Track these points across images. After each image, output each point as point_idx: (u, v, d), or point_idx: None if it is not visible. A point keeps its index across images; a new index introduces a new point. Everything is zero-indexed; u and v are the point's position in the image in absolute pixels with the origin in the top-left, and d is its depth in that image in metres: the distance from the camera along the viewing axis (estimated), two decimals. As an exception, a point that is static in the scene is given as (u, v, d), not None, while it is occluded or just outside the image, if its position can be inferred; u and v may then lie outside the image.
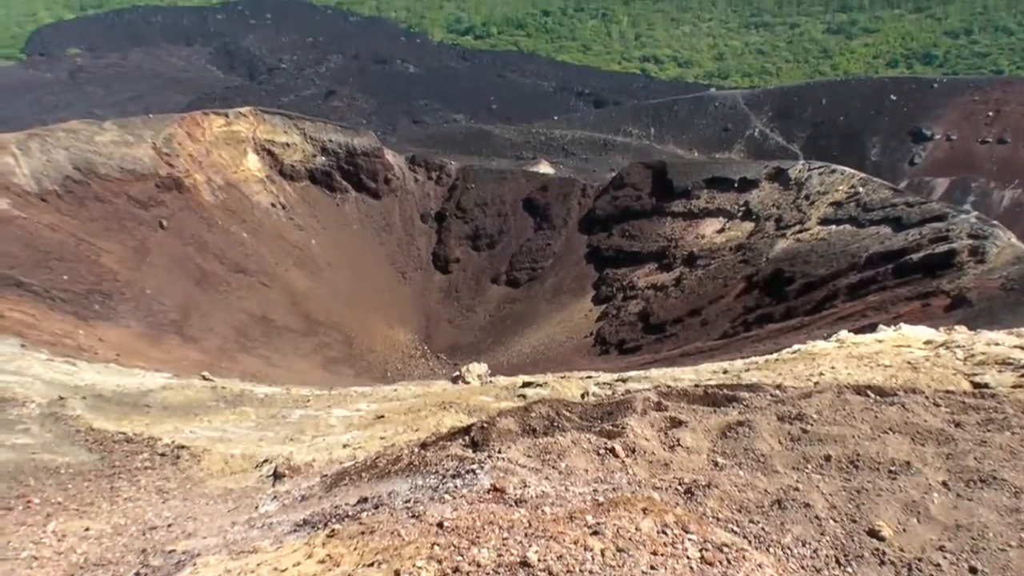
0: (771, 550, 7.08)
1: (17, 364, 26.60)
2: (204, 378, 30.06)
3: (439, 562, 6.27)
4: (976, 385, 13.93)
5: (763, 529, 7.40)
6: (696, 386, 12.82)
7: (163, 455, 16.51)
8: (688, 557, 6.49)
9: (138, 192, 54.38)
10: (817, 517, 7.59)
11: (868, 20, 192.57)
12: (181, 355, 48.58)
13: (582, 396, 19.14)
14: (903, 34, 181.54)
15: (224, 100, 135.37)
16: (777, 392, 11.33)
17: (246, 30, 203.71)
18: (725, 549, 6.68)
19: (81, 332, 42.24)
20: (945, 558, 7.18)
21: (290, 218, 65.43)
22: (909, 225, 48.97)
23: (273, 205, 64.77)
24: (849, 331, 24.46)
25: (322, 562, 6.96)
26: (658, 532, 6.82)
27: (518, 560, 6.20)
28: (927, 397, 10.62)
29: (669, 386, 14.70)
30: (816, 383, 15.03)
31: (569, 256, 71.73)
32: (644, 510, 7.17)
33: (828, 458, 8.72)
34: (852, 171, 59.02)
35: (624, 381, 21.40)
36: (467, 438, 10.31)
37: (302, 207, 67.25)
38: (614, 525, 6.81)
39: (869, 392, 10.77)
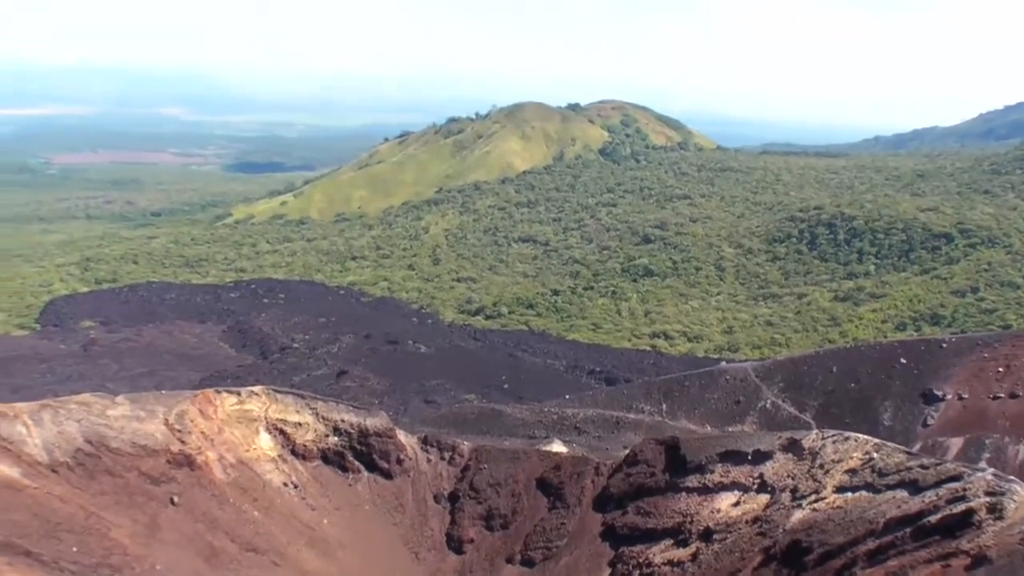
0: None
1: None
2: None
3: None
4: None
5: None
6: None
7: None
8: None
9: (149, 468, 54.17)
10: None
11: (875, 285, 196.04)
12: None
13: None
14: (910, 297, 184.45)
15: (236, 378, 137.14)
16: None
17: (259, 309, 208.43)
18: None
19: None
20: None
21: (302, 497, 64.63)
22: (925, 487, 48.30)
23: (285, 484, 64.20)
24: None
25: None
26: None
27: None
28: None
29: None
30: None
31: (584, 535, 70.47)
32: None
33: None
34: (866, 437, 58.59)
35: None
36: None
37: (314, 487, 66.51)
38: None
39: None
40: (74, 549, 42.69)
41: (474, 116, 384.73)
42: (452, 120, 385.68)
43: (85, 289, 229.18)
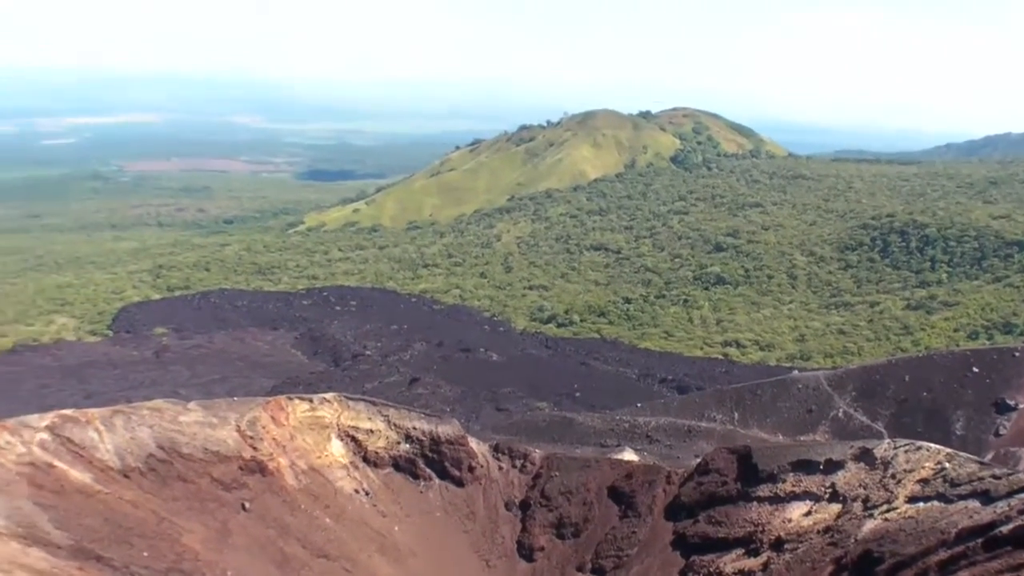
0: None
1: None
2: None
3: None
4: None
5: None
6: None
7: None
8: None
9: (221, 474, 54.59)
10: None
11: (947, 294, 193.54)
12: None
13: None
14: (982, 305, 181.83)
15: (308, 385, 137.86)
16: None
17: (331, 316, 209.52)
18: None
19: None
20: None
21: (373, 504, 64.94)
22: (997, 497, 47.86)
23: (356, 491, 64.51)
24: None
25: None
26: None
27: None
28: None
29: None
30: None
31: (655, 544, 70.32)
32: None
33: None
34: (938, 447, 58.15)
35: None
36: None
37: (385, 493, 66.87)
38: None
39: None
40: (145, 554, 43.11)
41: (546, 124, 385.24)
42: (524, 128, 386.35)
43: (157, 296, 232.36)
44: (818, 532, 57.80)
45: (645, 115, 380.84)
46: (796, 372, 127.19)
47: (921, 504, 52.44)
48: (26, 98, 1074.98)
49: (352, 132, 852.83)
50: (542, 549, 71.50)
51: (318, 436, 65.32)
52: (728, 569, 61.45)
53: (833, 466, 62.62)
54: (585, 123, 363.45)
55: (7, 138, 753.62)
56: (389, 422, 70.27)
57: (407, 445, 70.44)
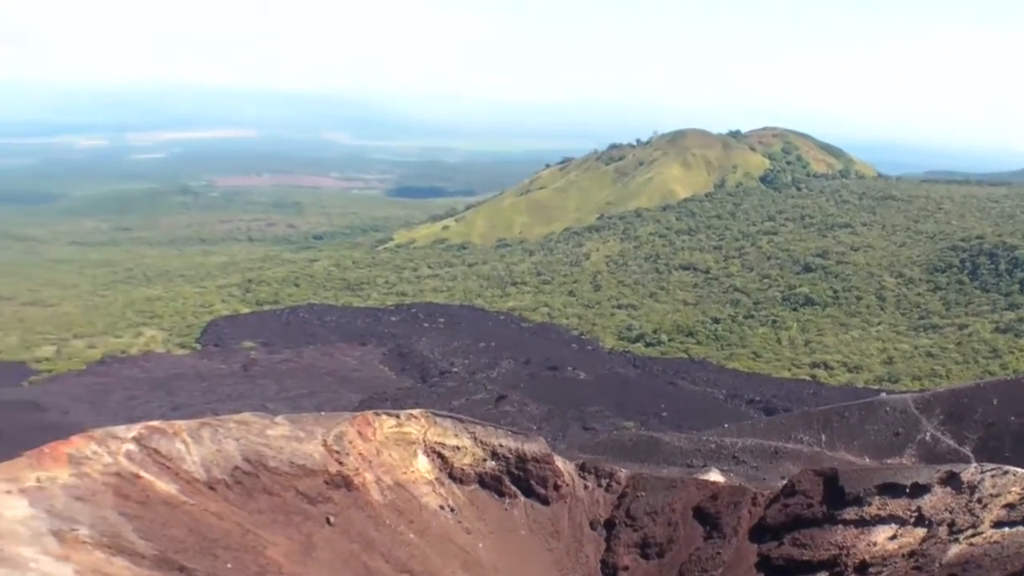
0: None
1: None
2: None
3: None
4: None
5: None
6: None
7: None
8: None
9: (307, 487, 54.94)
10: None
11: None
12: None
13: None
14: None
15: (396, 401, 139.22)
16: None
17: (419, 332, 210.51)
18: None
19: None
20: None
21: (458, 521, 64.93)
22: (1084, 525, 47.73)
23: (441, 507, 64.74)
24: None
25: None
26: None
27: None
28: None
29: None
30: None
31: (739, 565, 70.07)
32: None
33: None
34: (1025, 472, 57.97)
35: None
36: None
37: (470, 510, 66.83)
38: None
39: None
40: (229, 566, 43.40)
41: (635, 142, 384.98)
42: (613, 146, 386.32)
43: (246, 310, 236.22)
44: (903, 556, 57.72)
45: (735, 134, 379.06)
46: (884, 394, 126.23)
47: (1007, 529, 52.29)
48: (119, 113, 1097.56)
49: (441, 149, 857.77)
50: (626, 569, 71.59)
51: (404, 452, 65.61)
52: (812, 591, 61.54)
53: (919, 490, 62.39)
54: (675, 142, 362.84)
55: (99, 152, 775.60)
56: (476, 439, 70.30)
57: (493, 462, 70.48)
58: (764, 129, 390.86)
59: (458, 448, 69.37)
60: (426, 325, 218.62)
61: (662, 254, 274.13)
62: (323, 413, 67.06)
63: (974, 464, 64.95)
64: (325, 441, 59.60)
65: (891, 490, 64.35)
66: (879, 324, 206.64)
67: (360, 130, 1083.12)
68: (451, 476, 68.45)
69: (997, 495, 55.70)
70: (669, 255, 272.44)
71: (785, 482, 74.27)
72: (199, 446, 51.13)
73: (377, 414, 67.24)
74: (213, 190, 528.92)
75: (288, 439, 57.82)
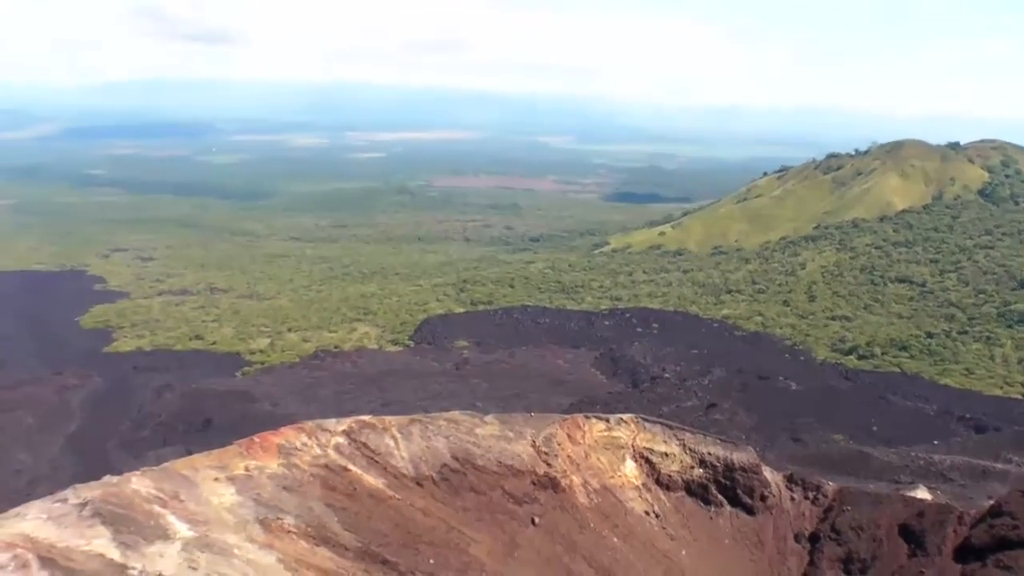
0: None
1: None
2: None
3: None
4: None
5: None
6: None
7: None
8: None
9: (513, 487, 55.93)
10: None
11: None
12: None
13: None
14: None
15: (606, 405, 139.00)
16: None
17: (632, 337, 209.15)
18: None
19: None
20: None
21: (663, 527, 65.47)
22: None
23: (647, 513, 65.39)
24: None
25: None
26: None
27: None
28: None
29: None
30: None
31: (943, 585, 69.64)
32: None
33: None
34: None
35: None
36: None
37: (675, 517, 67.14)
38: None
39: None
40: (431, 561, 44.57)
41: (853, 152, 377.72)
42: (832, 156, 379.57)
43: (460, 309, 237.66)
44: (1112, 585, 56.82)
45: (953, 146, 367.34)
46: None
47: None
48: (345, 114, 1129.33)
49: (663, 156, 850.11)
50: (829, 583, 71.61)
51: (613, 456, 66.49)
52: (1016, 616, 60.83)
53: None
54: (893, 153, 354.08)
55: (320, 151, 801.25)
56: (684, 446, 70.68)
57: (701, 470, 70.67)
58: (983, 141, 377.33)
59: (666, 454, 70.01)
60: (639, 330, 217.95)
61: (878, 266, 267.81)
62: (533, 414, 68.72)
63: None
64: (534, 442, 61.03)
65: (1104, 516, 63.20)
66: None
67: (584, 135, 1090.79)
68: (658, 482, 69.08)
69: None
70: (885, 267, 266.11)
71: (992, 502, 73.26)
72: (408, 442, 52.90)
73: (587, 417, 68.75)
74: (431, 190, 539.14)
75: (497, 439, 59.32)
